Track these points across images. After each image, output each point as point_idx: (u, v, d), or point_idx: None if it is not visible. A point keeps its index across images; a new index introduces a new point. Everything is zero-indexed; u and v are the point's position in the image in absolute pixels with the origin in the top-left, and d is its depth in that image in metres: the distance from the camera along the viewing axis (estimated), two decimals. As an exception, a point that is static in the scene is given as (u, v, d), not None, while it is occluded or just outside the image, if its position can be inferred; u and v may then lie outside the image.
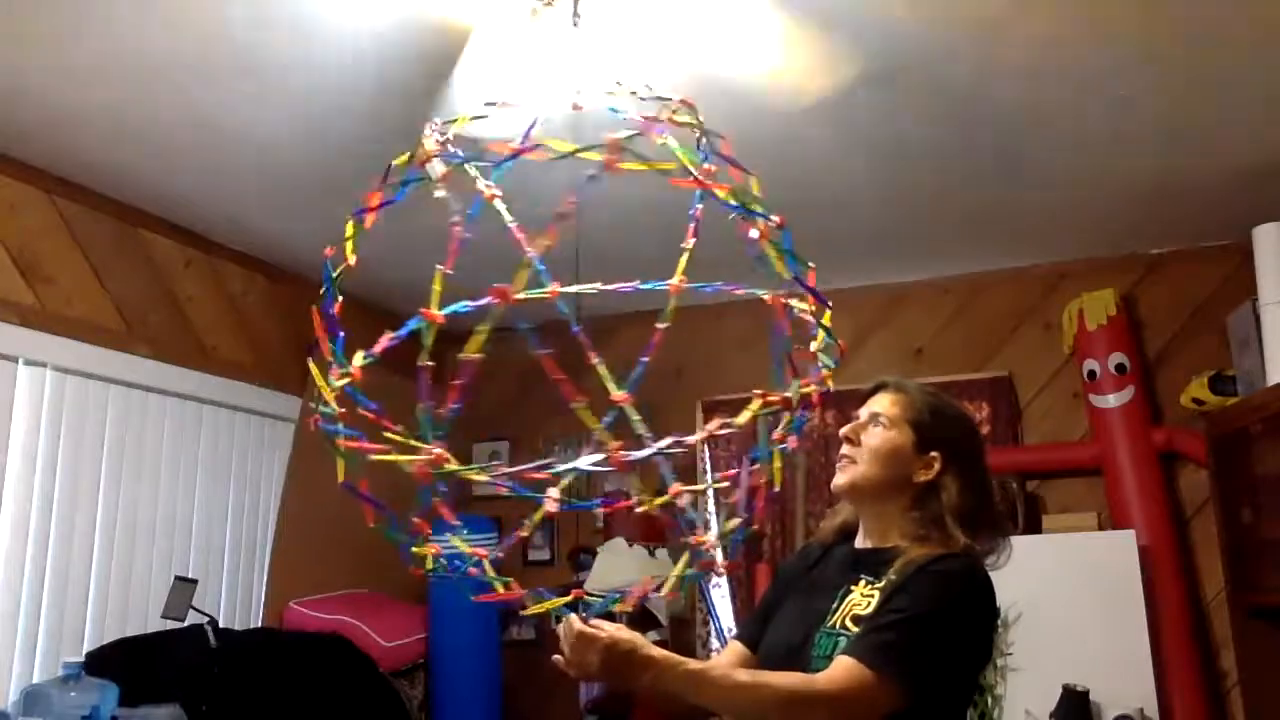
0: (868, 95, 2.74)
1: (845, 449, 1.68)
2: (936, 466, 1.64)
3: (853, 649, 1.45)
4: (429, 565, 1.43)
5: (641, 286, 1.49)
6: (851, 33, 2.43)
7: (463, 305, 1.37)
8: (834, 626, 1.55)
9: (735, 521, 1.49)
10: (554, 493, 1.37)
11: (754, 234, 1.52)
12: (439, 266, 1.38)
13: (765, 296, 1.54)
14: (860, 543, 1.69)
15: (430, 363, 1.36)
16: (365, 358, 1.42)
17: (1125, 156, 3.20)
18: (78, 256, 3.35)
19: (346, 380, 1.41)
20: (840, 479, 1.67)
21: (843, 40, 2.45)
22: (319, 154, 3.09)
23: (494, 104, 1.59)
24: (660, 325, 1.34)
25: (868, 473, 1.64)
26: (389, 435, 1.43)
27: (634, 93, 1.61)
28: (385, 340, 1.40)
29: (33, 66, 2.60)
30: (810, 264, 1.58)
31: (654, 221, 2.53)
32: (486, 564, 1.44)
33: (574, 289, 1.42)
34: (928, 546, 1.56)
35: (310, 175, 3.24)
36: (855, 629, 1.51)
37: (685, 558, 1.53)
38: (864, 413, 1.70)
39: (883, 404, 1.69)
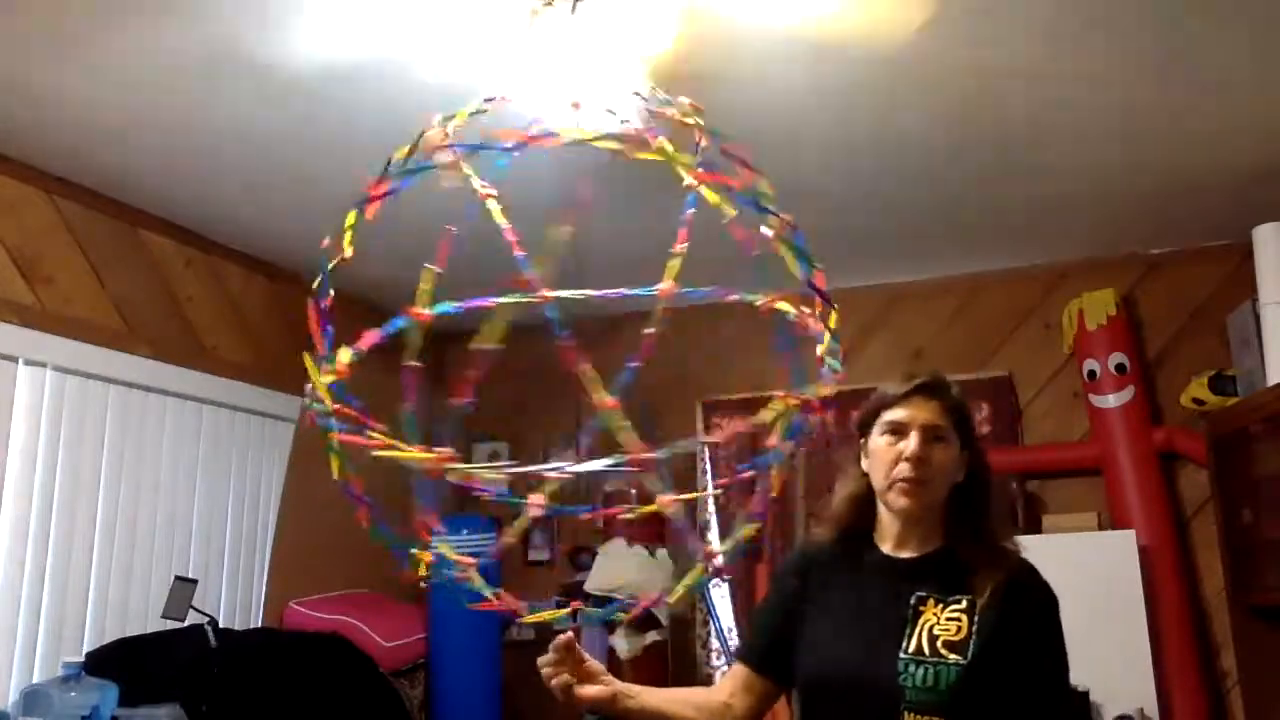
0: (867, 96, 2.74)
1: (912, 470, 1.56)
2: (967, 464, 1.62)
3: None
4: (423, 571, 1.39)
5: (630, 292, 1.43)
6: (851, 33, 2.44)
7: (449, 305, 1.36)
8: (923, 653, 1.49)
9: (751, 527, 1.50)
10: (537, 498, 1.34)
11: (767, 231, 1.49)
12: (427, 265, 1.36)
13: (758, 302, 1.51)
14: (893, 549, 1.62)
15: (417, 363, 1.34)
16: (353, 355, 1.40)
17: (1125, 156, 3.20)
18: (78, 256, 3.34)
19: (332, 377, 1.39)
20: (910, 503, 1.57)
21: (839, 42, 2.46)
22: (319, 154, 3.09)
23: (493, 99, 1.59)
24: (648, 330, 1.32)
25: (940, 495, 1.60)
26: (374, 433, 1.40)
27: (636, 93, 1.61)
28: (371, 337, 1.38)
29: (33, 67, 2.59)
30: (819, 265, 1.54)
31: (654, 222, 2.52)
32: (474, 573, 1.39)
33: (563, 294, 1.38)
34: (980, 548, 1.57)
35: (310, 175, 3.23)
36: (951, 655, 1.48)
37: (698, 569, 1.52)
38: (910, 420, 1.58)
39: (936, 414, 1.59)
